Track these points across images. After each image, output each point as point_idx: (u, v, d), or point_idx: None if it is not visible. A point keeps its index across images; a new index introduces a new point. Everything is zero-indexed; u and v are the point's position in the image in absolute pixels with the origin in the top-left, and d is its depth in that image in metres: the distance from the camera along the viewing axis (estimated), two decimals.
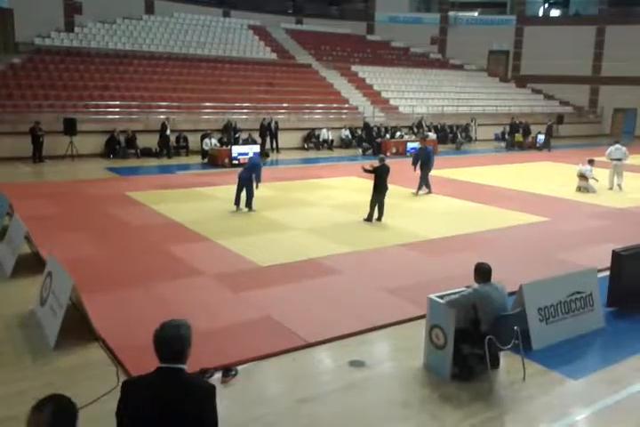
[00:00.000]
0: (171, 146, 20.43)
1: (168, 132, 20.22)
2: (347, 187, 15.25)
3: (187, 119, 21.67)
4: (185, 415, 2.75)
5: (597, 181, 15.56)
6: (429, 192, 14.47)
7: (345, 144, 24.89)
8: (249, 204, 12.12)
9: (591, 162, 15.64)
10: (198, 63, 26.90)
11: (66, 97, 21.14)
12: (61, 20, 26.85)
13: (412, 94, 30.96)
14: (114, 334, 6.05)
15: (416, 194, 14.33)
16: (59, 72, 22.64)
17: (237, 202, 12.09)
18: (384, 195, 11.40)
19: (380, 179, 11.33)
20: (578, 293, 6.61)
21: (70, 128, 18.93)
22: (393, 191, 14.72)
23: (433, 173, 15.14)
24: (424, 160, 14.46)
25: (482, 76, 37.59)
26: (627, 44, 34.43)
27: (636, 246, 7.45)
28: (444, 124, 28.21)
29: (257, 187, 12.22)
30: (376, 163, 11.73)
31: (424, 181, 14.50)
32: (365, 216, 11.46)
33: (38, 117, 19.02)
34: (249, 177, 12.07)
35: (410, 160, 15.70)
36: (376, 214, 11.45)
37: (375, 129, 25.27)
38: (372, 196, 11.44)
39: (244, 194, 12.11)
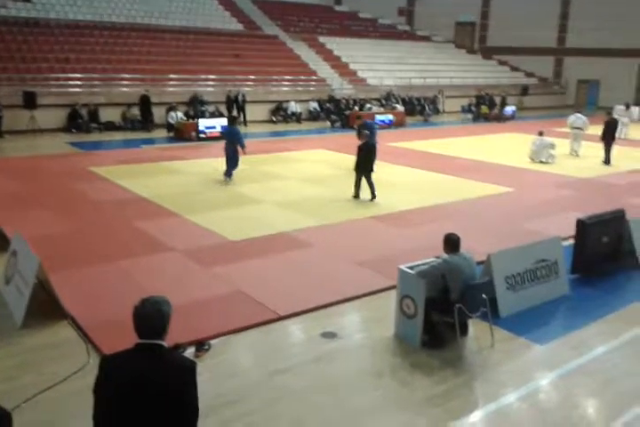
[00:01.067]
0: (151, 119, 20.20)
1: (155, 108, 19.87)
2: (315, 160, 15.16)
3: (151, 92, 21.09)
4: (166, 391, 2.73)
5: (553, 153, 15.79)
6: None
7: (313, 117, 24.66)
8: (229, 173, 12.28)
9: (541, 134, 15.99)
10: (162, 34, 26.11)
11: (25, 70, 20.33)
12: None
13: (380, 66, 30.71)
14: (83, 311, 5.95)
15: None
16: (16, 44, 21.71)
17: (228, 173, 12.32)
18: (367, 175, 10.95)
19: (362, 157, 10.86)
20: (543, 260, 6.74)
21: (30, 102, 18.26)
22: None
23: (399, 144, 15.11)
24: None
25: (449, 47, 37.48)
26: (591, 16, 34.63)
27: (599, 215, 7.61)
28: (411, 96, 28.14)
29: (244, 153, 12.38)
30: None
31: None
32: (353, 194, 11.09)
33: None
34: (233, 148, 12.23)
35: (377, 131, 15.60)
36: (368, 194, 10.98)
37: (343, 101, 25.07)
38: (356, 174, 11.04)
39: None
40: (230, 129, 12.60)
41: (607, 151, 15.97)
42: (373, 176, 11.11)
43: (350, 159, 14.98)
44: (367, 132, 11.35)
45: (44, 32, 23.14)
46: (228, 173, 12.34)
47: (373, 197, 10.98)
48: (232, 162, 12.35)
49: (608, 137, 15.90)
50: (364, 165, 10.92)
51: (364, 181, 11.06)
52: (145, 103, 20.24)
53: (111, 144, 17.52)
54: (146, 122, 20.29)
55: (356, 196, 11.07)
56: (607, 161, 15.94)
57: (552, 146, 15.73)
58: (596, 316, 6.33)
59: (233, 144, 12.34)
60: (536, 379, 5.07)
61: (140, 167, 13.71)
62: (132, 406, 2.73)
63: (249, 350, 5.50)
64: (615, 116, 21.10)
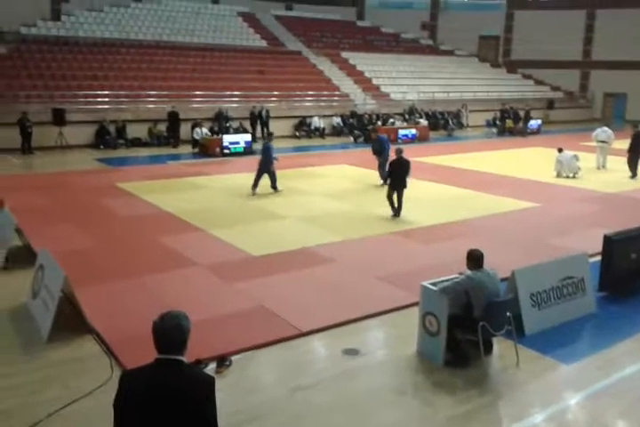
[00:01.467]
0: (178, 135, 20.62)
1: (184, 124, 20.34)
2: (339, 175, 15.20)
3: (177, 108, 21.42)
4: (185, 407, 2.74)
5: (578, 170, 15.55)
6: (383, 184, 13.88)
7: (337, 132, 24.78)
8: (273, 186, 12.90)
9: (560, 150, 15.79)
10: (187, 51, 26.63)
11: (54, 87, 20.89)
12: (47, 8, 26.46)
13: (403, 81, 30.81)
14: (107, 326, 6.03)
15: (383, 184, 13.93)
16: (46, 62, 22.35)
17: (255, 186, 12.78)
18: (400, 192, 10.82)
19: (394, 173, 10.79)
20: (569, 278, 6.65)
21: (59, 119, 18.72)
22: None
23: (424, 159, 15.09)
24: (378, 150, 14.05)
25: (472, 61, 37.44)
26: (616, 29, 34.35)
27: (626, 231, 7.49)
28: (434, 110, 28.11)
29: (277, 160, 12.97)
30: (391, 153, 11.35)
31: (381, 171, 13.82)
32: (392, 213, 10.92)
33: (26, 108, 18.78)
34: (266, 163, 12.64)
35: (400, 146, 15.60)
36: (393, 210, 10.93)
37: (366, 116, 25.16)
38: (388, 190, 10.97)
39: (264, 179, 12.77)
40: (263, 147, 13.01)
41: (633, 165, 15.73)
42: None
43: (373, 175, 15.06)
44: (400, 147, 11.23)
45: (73, 50, 23.77)
46: (274, 186, 12.91)
47: (398, 214, 10.86)
48: (272, 176, 12.87)
49: (635, 150, 15.67)
50: (398, 181, 10.79)
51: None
52: (173, 119, 20.60)
53: (137, 160, 17.82)
54: (173, 138, 20.65)
55: (396, 214, 10.83)
56: (634, 175, 15.70)
57: (576, 158, 15.53)
58: (624, 335, 6.20)
59: (264, 160, 12.73)
60: (562, 400, 4.98)
61: (165, 183, 13.91)
62: (151, 421, 2.75)
63: (270, 366, 5.51)
64: None
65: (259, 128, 22.67)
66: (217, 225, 10.06)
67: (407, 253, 8.75)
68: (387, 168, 13.46)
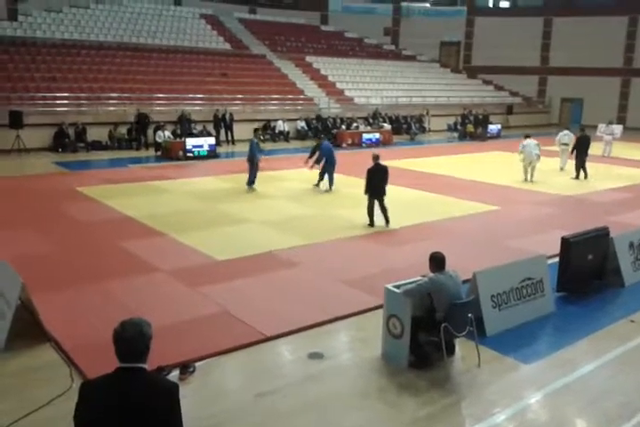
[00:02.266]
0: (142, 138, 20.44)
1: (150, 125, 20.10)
2: (303, 179, 15.21)
3: (139, 111, 21.09)
4: (149, 416, 2.69)
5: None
6: (317, 183, 13.97)
7: (301, 135, 24.81)
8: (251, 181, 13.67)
9: (527, 136, 15.95)
10: (149, 53, 26.30)
11: (10, 89, 20.33)
12: (3, 8, 25.74)
13: (367, 85, 31.05)
14: (66, 334, 5.88)
15: (316, 185, 13.97)
16: (2, 63, 21.73)
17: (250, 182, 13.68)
18: (380, 199, 10.50)
19: (372, 180, 10.41)
20: (529, 279, 6.79)
21: (16, 121, 18.22)
22: (346, 181, 14.82)
23: (388, 163, 15.14)
24: (323, 156, 14.06)
25: (434, 67, 38.00)
26: (573, 35, 35.37)
27: (583, 233, 7.70)
28: (398, 114, 28.42)
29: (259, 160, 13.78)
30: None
31: (327, 176, 13.92)
32: (368, 222, 10.58)
33: None
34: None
35: (364, 150, 15.72)
36: (381, 220, 10.55)
37: (331, 120, 25.27)
38: (368, 200, 10.58)
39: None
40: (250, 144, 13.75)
41: (578, 167, 16.22)
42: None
43: (338, 179, 15.12)
44: (376, 153, 10.88)
45: (31, 51, 23.20)
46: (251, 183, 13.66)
47: (388, 222, 10.50)
48: (252, 172, 13.66)
49: (579, 153, 16.19)
50: (376, 189, 10.44)
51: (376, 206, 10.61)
52: (142, 121, 20.30)
53: (98, 164, 17.50)
54: (139, 141, 20.41)
55: (371, 224, 10.50)
56: (577, 176, 16.18)
57: (538, 146, 15.66)
58: (583, 334, 6.37)
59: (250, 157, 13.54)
60: (524, 398, 5.08)
61: (127, 187, 13.69)
62: None
63: (235, 372, 5.46)
64: (599, 133, 21.37)
65: (222, 131, 22.57)
66: (180, 230, 9.95)
67: (372, 255, 8.81)
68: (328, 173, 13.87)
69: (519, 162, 16.08)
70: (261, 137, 16.73)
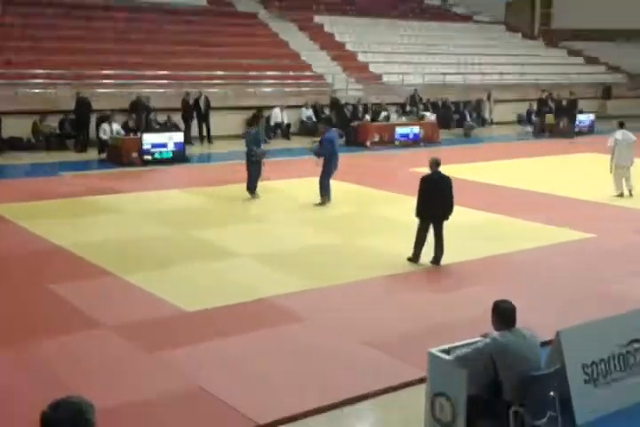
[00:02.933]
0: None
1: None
2: (310, 193, 15.26)
3: (74, 95, 21.31)
4: None
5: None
6: (321, 203, 14.19)
7: (307, 130, 24.97)
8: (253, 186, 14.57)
9: (621, 125, 16.01)
10: (91, 11, 26.68)
11: None
12: None
13: (402, 57, 31.35)
14: None
15: (321, 203, 14.17)
16: None
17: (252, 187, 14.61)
18: (437, 224, 10.46)
19: (427, 196, 10.36)
20: (638, 341, 6.76)
21: None
22: (377, 198, 14.87)
23: (425, 170, 15.10)
24: (317, 151, 14.45)
25: (498, 31, 38.34)
26: None
27: None
28: (446, 99, 28.57)
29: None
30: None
31: (322, 185, 14.27)
32: (410, 255, 10.57)
33: None
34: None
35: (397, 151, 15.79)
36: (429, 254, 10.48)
37: (349, 108, 25.45)
38: (419, 223, 10.55)
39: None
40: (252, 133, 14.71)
41: None
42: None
43: (362, 192, 15.20)
44: (436, 158, 10.71)
45: None
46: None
47: (436, 260, 10.44)
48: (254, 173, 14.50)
49: None
50: (432, 209, 10.38)
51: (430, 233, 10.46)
52: (82, 110, 20.51)
53: (16, 170, 17.72)
54: (78, 138, 20.67)
55: (415, 259, 10.48)
56: None
57: (632, 144, 15.56)
58: None
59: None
60: None
61: (57, 204, 13.84)
62: None
63: None
64: None
65: (195, 124, 22.76)
66: (133, 267, 10.00)
67: (408, 305, 8.80)
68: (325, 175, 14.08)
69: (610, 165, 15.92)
70: (264, 125, 16.86)
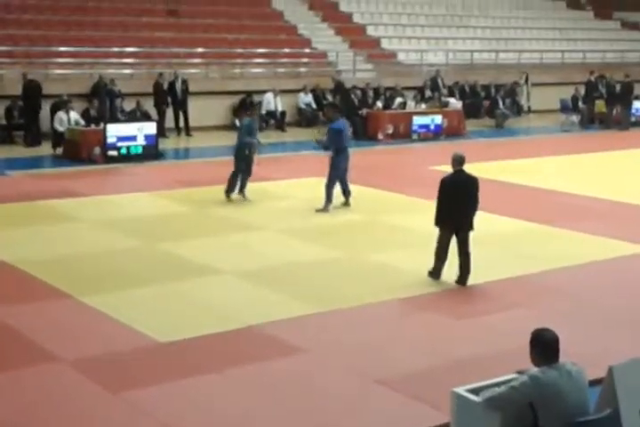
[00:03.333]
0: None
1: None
2: (308, 197, 15.28)
3: (19, 76, 21.28)
4: None
5: None
6: (324, 209, 14.16)
7: (306, 119, 24.98)
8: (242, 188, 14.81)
9: None
10: None
11: None
12: None
13: (420, 31, 31.41)
14: None
15: (323, 209, 14.14)
16: None
17: (231, 189, 14.84)
18: (462, 234, 10.51)
19: (449, 201, 10.38)
20: None
21: None
22: (390, 203, 14.87)
23: (448, 168, 15.11)
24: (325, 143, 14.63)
25: None
26: None
27: None
28: (474, 82, 28.58)
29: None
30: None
31: (329, 188, 14.29)
32: (430, 268, 10.67)
33: None
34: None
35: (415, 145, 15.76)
36: (453, 270, 10.53)
37: (357, 93, 25.43)
38: (439, 234, 10.62)
39: None
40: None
41: None
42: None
43: (372, 195, 15.18)
44: (460, 154, 10.65)
45: None
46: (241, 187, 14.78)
47: (462, 279, 10.46)
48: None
49: None
50: (455, 216, 10.43)
51: (452, 244, 10.49)
52: (31, 96, 20.47)
53: None
54: (28, 130, 20.64)
55: (436, 274, 10.57)
56: None
57: None
58: None
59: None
60: None
61: (2, 210, 13.86)
62: None
63: None
64: None
65: (170, 112, 22.76)
66: (95, 288, 10.00)
67: (427, 335, 8.81)
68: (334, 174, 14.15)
69: None
70: (257, 114, 16.94)
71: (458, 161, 10.50)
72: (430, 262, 10.70)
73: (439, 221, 10.53)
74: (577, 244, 12.60)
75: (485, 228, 13.42)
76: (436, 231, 10.62)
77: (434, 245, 10.58)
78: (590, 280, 10.87)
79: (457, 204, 10.37)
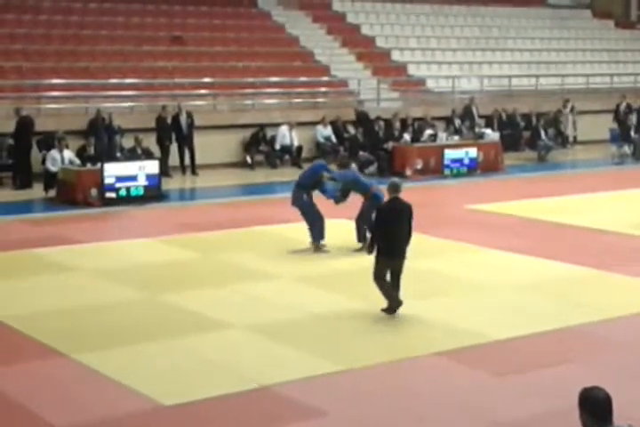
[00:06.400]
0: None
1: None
2: (331, 240, 15.30)
3: (9, 111, 21.41)
4: None
5: None
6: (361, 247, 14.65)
7: (324, 154, 25.02)
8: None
9: None
10: (36, 2, 27.08)
11: None
12: None
13: (451, 56, 31.56)
14: None
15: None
16: None
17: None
18: (394, 265, 11.22)
19: (385, 228, 11.23)
20: None
21: None
22: (420, 245, 14.86)
23: (489, 207, 15.21)
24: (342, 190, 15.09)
25: (582, 17, 38.45)
26: None
27: None
28: (513, 111, 28.61)
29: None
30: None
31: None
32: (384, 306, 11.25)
33: None
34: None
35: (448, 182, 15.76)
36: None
37: (382, 124, 25.49)
38: (376, 262, 11.27)
39: None
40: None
41: None
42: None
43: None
44: (397, 181, 11.87)
45: None
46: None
47: (391, 308, 11.13)
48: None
49: None
50: (391, 244, 11.15)
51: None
52: (23, 134, 20.64)
53: None
54: (20, 170, 20.72)
55: (393, 308, 11.16)
56: None
57: None
58: None
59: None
60: None
61: None
62: None
63: None
64: None
65: (175, 149, 22.89)
66: (91, 345, 10.01)
67: (466, 394, 8.74)
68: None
69: None
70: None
71: (394, 188, 11.40)
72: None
73: (370, 247, 11.35)
74: (632, 291, 12.55)
75: (531, 273, 13.50)
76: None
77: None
78: None
79: (392, 231, 11.15)
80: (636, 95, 30.32)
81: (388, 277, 11.21)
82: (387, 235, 11.19)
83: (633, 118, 28.18)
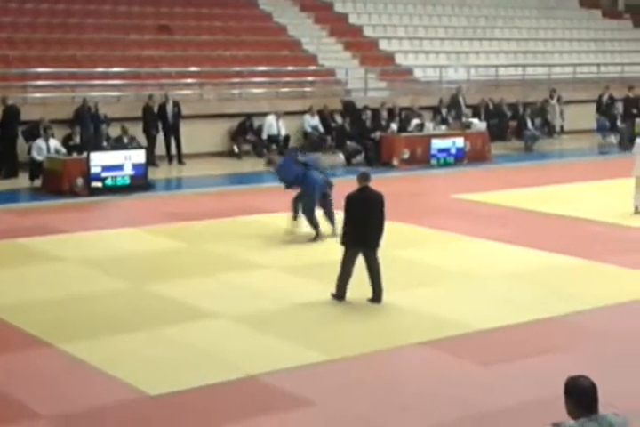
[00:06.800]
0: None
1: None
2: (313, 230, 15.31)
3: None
4: None
5: None
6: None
7: (312, 144, 25.00)
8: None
9: None
10: None
11: None
12: None
13: (439, 45, 31.51)
14: None
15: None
16: None
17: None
18: (368, 253, 11.32)
19: (354, 217, 11.27)
20: None
21: None
22: (405, 235, 14.87)
23: (476, 197, 15.18)
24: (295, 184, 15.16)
25: (570, 7, 38.42)
26: None
27: None
28: (500, 101, 28.60)
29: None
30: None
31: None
32: (335, 291, 11.43)
33: None
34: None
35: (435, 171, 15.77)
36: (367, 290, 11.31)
37: (369, 114, 25.45)
38: (343, 253, 11.36)
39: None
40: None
41: None
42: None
43: (386, 228, 15.16)
44: (366, 172, 11.94)
45: None
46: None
47: (375, 298, 11.25)
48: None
49: None
50: (360, 234, 11.19)
51: (359, 265, 11.25)
52: (9, 122, 20.61)
53: None
54: (6, 159, 20.71)
55: (339, 294, 11.32)
56: None
57: None
58: None
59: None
60: None
61: None
62: None
63: None
64: None
65: (161, 138, 22.83)
66: (77, 335, 10.02)
67: (453, 383, 8.76)
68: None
69: None
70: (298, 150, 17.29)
71: (363, 177, 11.42)
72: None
73: (343, 238, 11.31)
74: (618, 280, 12.57)
75: (518, 263, 13.52)
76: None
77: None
78: (634, 322, 10.84)
79: (362, 221, 11.19)
80: (622, 85, 30.30)
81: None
82: (355, 223, 11.21)
83: (619, 107, 28.26)
